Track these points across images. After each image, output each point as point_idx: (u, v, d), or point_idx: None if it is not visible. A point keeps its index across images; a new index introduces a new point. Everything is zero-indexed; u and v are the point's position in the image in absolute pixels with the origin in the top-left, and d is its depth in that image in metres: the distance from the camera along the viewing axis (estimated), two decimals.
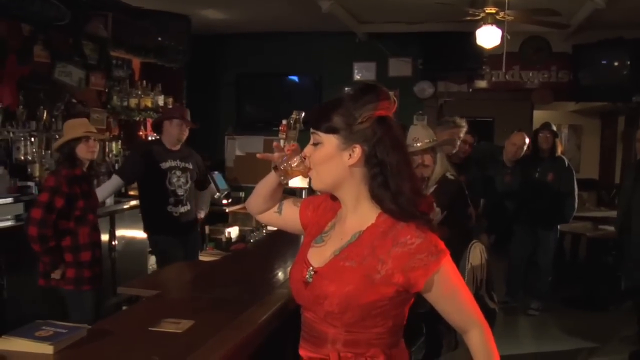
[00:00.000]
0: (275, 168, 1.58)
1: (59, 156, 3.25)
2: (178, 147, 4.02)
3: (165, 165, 3.94)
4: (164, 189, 3.93)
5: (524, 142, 5.02)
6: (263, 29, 6.40)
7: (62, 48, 4.62)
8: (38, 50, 4.44)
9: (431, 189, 2.99)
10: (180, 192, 3.98)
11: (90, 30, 4.81)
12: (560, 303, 5.28)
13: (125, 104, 5.47)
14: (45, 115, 4.43)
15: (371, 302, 1.36)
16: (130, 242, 4.77)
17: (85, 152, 3.22)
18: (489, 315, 2.33)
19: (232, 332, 1.90)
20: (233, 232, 5.19)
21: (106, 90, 5.28)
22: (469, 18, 4.50)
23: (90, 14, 4.84)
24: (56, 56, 4.56)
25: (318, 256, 1.47)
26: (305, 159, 1.49)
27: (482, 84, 6.50)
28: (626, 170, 5.70)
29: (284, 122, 1.64)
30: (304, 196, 4.10)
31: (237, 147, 6.97)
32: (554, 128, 5.10)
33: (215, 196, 5.41)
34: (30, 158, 4.29)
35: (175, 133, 3.96)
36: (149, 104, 5.59)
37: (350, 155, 1.40)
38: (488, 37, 4.55)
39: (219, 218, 5.90)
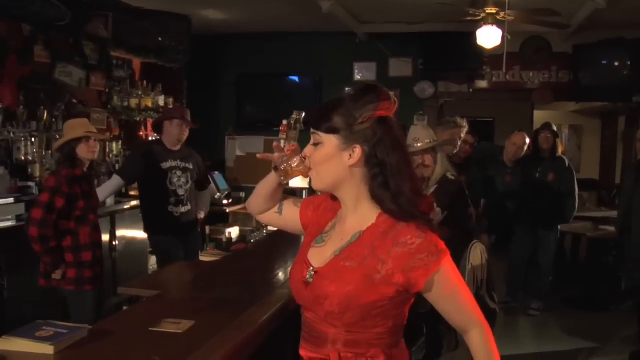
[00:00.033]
0: (275, 168, 1.58)
1: (59, 156, 3.25)
2: (178, 147, 4.02)
3: (165, 165, 3.94)
4: (165, 189, 3.93)
5: (524, 142, 5.02)
6: (263, 29, 6.40)
7: (62, 48, 4.62)
8: (38, 50, 4.44)
9: (431, 189, 2.99)
10: (180, 191, 3.98)
11: (90, 30, 4.81)
12: (561, 303, 5.28)
13: (125, 104, 5.47)
14: (45, 115, 4.43)
15: (371, 302, 1.36)
16: (130, 242, 4.77)
17: (86, 152, 3.22)
18: (489, 315, 2.33)
19: (232, 332, 1.90)
20: (233, 232, 5.19)
21: (106, 90, 5.28)
22: (469, 18, 4.50)
23: (90, 14, 4.84)
24: (56, 56, 4.56)
25: (318, 256, 1.47)
26: (305, 158, 1.50)
27: (482, 84, 6.50)
28: (626, 170, 5.70)
29: (284, 122, 1.64)
30: (304, 196, 4.09)
31: (237, 147, 6.97)
32: (555, 128, 5.10)
33: (216, 196, 5.41)
34: (30, 158, 4.29)
35: (175, 133, 3.96)
36: (149, 104, 5.59)
37: (350, 155, 1.40)
38: (488, 37, 4.55)
39: (219, 218, 5.90)
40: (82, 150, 3.21)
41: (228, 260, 3.27)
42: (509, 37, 4.60)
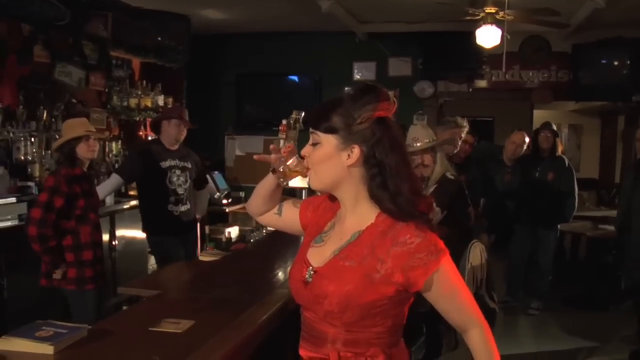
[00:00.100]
0: (274, 170, 1.58)
1: (59, 156, 3.25)
2: (177, 146, 4.03)
3: (165, 164, 3.94)
4: (165, 188, 3.93)
5: (524, 141, 5.03)
6: (263, 29, 6.40)
7: (62, 48, 4.62)
8: (38, 50, 4.44)
9: (431, 189, 2.99)
10: (180, 190, 3.98)
11: (90, 30, 4.81)
12: (561, 302, 5.28)
13: (125, 104, 5.47)
14: (45, 115, 4.43)
15: (371, 302, 1.36)
16: (130, 242, 4.77)
17: (86, 152, 3.23)
18: (489, 315, 2.33)
19: (232, 332, 1.90)
20: (233, 232, 5.19)
21: (106, 90, 5.28)
22: (469, 18, 4.50)
23: (90, 14, 4.84)
24: (56, 56, 4.56)
25: (318, 256, 1.48)
26: (303, 159, 1.50)
27: (482, 83, 6.50)
28: (626, 169, 5.71)
29: (284, 122, 1.64)
30: (304, 196, 4.10)
31: (237, 147, 6.97)
32: (554, 127, 5.10)
33: (215, 196, 5.41)
34: (30, 158, 4.29)
35: (174, 133, 3.96)
36: (149, 104, 5.59)
37: (349, 155, 1.40)
38: (488, 36, 4.54)
39: (219, 218, 5.91)
40: (82, 150, 3.21)
41: (228, 260, 3.27)
42: (508, 36, 4.60)
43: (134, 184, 4.47)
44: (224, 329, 1.92)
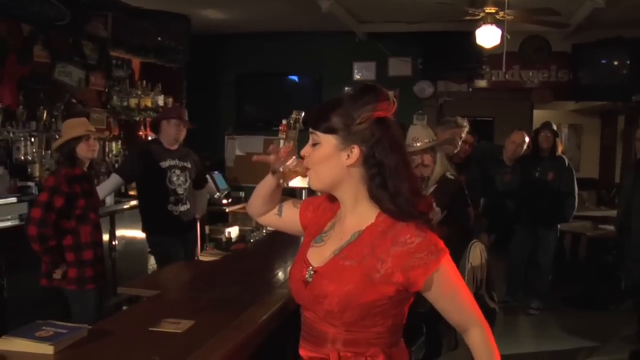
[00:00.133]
0: (273, 171, 1.58)
1: (59, 156, 3.25)
2: (176, 146, 4.03)
3: (164, 164, 3.94)
4: (164, 188, 3.93)
5: (524, 140, 5.03)
6: (263, 29, 6.40)
7: (62, 48, 4.62)
8: (38, 50, 4.44)
9: (431, 189, 2.99)
10: (180, 190, 3.98)
11: (90, 30, 4.81)
12: (561, 302, 5.28)
13: (125, 104, 5.47)
14: (45, 115, 4.44)
15: (371, 302, 1.36)
16: (130, 242, 4.77)
17: (86, 151, 3.23)
18: (489, 315, 2.33)
19: (232, 332, 1.90)
20: (233, 232, 5.19)
21: (106, 90, 5.28)
22: (468, 18, 4.50)
23: (90, 14, 4.84)
24: (56, 56, 4.56)
25: (318, 256, 1.48)
26: (302, 159, 1.50)
27: (482, 83, 6.51)
28: (626, 169, 5.71)
29: (284, 122, 1.64)
30: (304, 196, 4.10)
31: (237, 147, 6.97)
32: (555, 127, 5.10)
33: (215, 196, 5.41)
34: (30, 158, 4.29)
35: (173, 133, 3.96)
36: (149, 104, 5.59)
37: (348, 155, 1.40)
38: (488, 36, 4.55)
39: (219, 218, 5.91)
40: (82, 150, 3.21)
41: (228, 260, 3.27)
42: (508, 36, 4.60)
43: (133, 184, 4.47)
44: (224, 329, 1.92)
